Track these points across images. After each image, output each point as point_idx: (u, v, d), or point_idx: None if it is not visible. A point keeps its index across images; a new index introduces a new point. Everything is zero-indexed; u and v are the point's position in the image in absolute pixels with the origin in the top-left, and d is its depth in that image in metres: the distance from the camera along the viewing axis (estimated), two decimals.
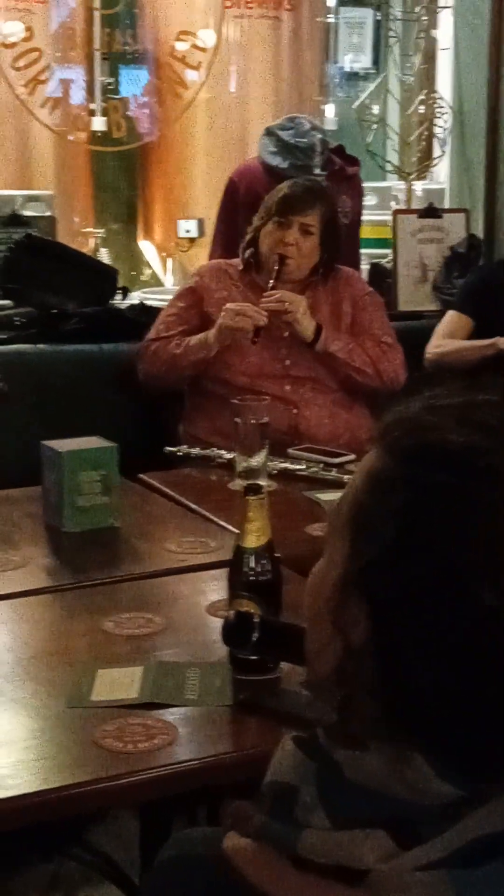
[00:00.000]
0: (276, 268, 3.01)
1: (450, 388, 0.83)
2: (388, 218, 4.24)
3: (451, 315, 3.54)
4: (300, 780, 0.80)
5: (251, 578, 1.60)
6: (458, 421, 0.79)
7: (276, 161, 3.91)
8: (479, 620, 0.74)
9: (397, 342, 3.17)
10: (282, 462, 2.63)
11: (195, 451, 2.79)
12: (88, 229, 4.89)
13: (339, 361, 3.05)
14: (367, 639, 0.78)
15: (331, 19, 5.14)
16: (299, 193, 3.04)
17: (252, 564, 1.61)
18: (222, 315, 2.96)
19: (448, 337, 3.49)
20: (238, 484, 2.47)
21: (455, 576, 0.75)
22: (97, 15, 4.67)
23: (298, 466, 2.63)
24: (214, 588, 1.95)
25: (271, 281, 3.01)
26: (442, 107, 4.63)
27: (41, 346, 3.33)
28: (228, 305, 2.97)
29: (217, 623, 1.75)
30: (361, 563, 0.79)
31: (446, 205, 4.49)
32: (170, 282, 4.91)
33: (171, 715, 1.52)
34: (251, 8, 4.88)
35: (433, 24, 4.79)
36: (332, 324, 3.08)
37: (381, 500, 0.79)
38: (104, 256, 4.74)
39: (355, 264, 3.99)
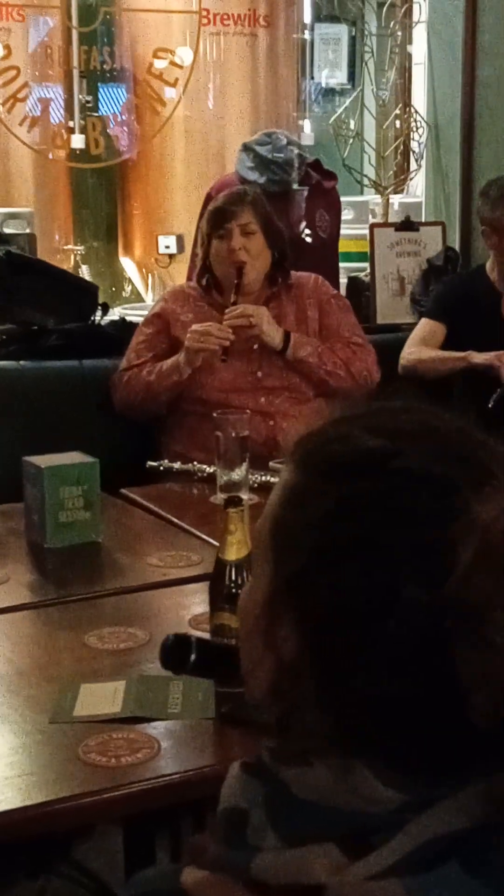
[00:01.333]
0: (236, 281, 3.02)
1: (354, 401, 0.85)
2: (366, 232, 4.27)
3: (424, 322, 3.56)
4: (250, 803, 0.80)
5: (233, 591, 1.61)
6: (364, 429, 0.81)
7: (254, 176, 3.94)
8: (407, 619, 0.75)
9: (367, 342, 3.19)
10: (262, 475, 2.64)
11: (176, 465, 2.80)
12: (69, 246, 4.90)
13: (310, 366, 3.06)
14: (299, 653, 0.79)
15: (306, 36, 5.17)
16: (225, 203, 3.08)
17: (233, 577, 1.61)
18: (188, 338, 2.97)
19: (421, 344, 3.50)
20: (219, 497, 2.48)
21: (378, 578, 0.75)
22: (75, 33, 4.69)
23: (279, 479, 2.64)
24: (196, 601, 1.96)
25: (233, 296, 3.02)
26: (417, 121, 4.66)
27: (22, 362, 3.33)
28: (193, 327, 2.98)
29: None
30: (285, 577, 0.80)
31: (423, 218, 4.52)
32: (150, 298, 4.93)
33: (155, 729, 1.53)
34: (227, 25, 4.91)
35: (407, 39, 4.83)
36: (300, 330, 3.10)
37: (298, 513, 0.80)
38: (85, 273, 4.75)
39: (334, 278, 4.01)
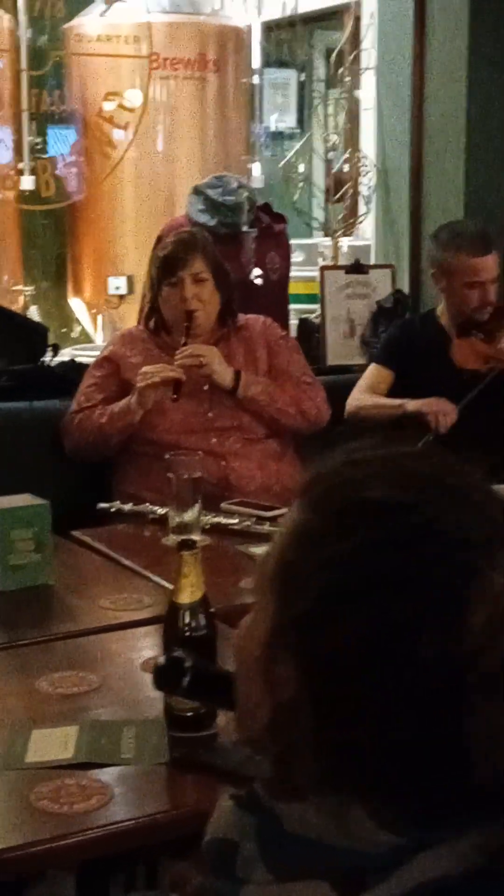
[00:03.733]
0: (186, 324, 3.03)
1: (368, 441, 0.84)
2: (316, 274, 4.31)
3: (372, 368, 3.59)
4: (240, 835, 0.80)
5: (186, 634, 1.60)
6: (379, 475, 0.80)
7: (205, 219, 3.96)
8: (413, 673, 0.74)
9: (316, 380, 3.21)
10: (214, 517, 2.63)
11: (128, 507, 2.78)
12: (18, 287, 4.89)
13: (261, 405, 3.07)
14: (299, 694, 0.78)
15: (255, 80, 5.23)
16: (177, 250, 3.07)
17: (186, 620, 1.60)
18: (139, 379, 2.97)
19: (369, 389, 3.53)
20: (171, 539, 2.46)
21: (389, 629, 0.75)
22: (25, 76, 4.71)
23: (231, 521, 2.64)
24: (149, 644, 1.94)
25: (183, 338, 3.02)
26: (366, 165, 4.72)
27: None
28: (144, 368, 2.98)
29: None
30: (289, 618, 0.79)
31: (372, 261, 4.57)
32: (100, 338, 4.93)
33: (108, 774, 1.51)
34: (177, 69, 4.95)
35: (356, 84, 4.90)
36: (249, 371, 3.11)
37: (308, 555, 0.79)
38: (34, 314, 4.74)
39: (284, 319, 4.04)
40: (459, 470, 0.82)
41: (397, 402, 3.40)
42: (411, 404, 3.34)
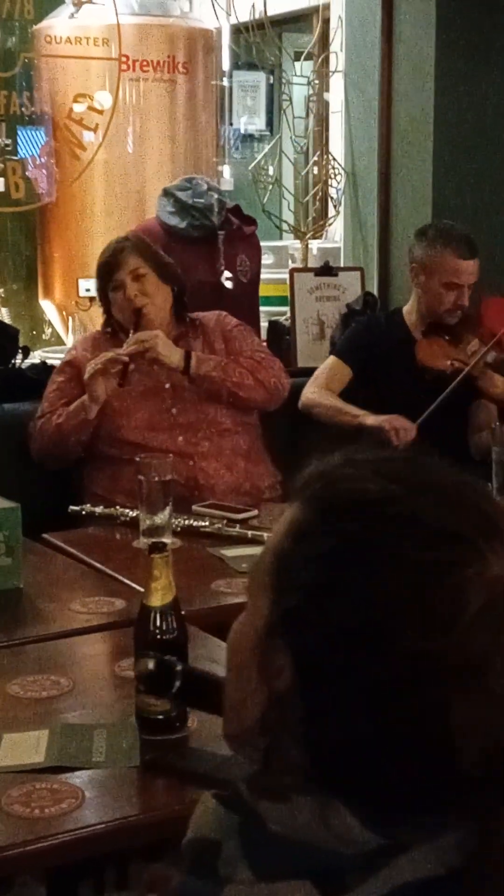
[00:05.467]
0: (135, 321, 3.04)
1: (365, 445, 0.86)
2: (285, 276, 4.32)
3: (331, 360, 3.57)
4: (223, 834, 0.80)
5: (157, 637, 1.60)
6: (374, 472, 0.82)
7: (175, 221, 3.97)
8: (399, 666, 0.75)
9: (271, 355, 3.21)
10: (185, 519, 2.64)
11: (99, 509, 2.78)
12: None
13: (215, 381, 3.05)
14: (291, 687, 0.79)
15: (225, 83, 5.24)
16: (109, 255, 3.11)
17: (158, 622, 1.61)
18: (86, 372, 2.98)
19: (326, 383, 3.51)
20: (142, 542, 2.47)
21: (374, 622, 0.76)
22: None
23: (202, 523, 2.65)
24: (120, 647, 1.95)
25: (131, 330, 3.03)
26: (335, 168, 4.74)
27: None
28: (90, 362, 2.99)
29: (124, 682, 1.75)
30: (283, 610, 0.80)
31: (342, 263, 4.59)
32: (71, 340, 4.91)
33: (79, 778, 1.51)
34: (147, 71, 4.95)
35: (325, 87, 4.92)
36: None
37: (302, 549, 0.80)
38: (4, 316, 4.73)
39: (255, 321, 4.05)
40: (450, 468, 0.84)
41: (356, 412, 3.37)
42: (370, 419, 3.31)
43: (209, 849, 0.80)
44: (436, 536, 0.78)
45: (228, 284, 4.04)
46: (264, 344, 3.27)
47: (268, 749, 0.81)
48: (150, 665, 1.34)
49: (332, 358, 3.58)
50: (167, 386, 3.07)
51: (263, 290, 4.31)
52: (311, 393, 3.50)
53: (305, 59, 4.92)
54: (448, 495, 0.81)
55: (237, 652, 0.85)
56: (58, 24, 4.95)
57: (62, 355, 3.78)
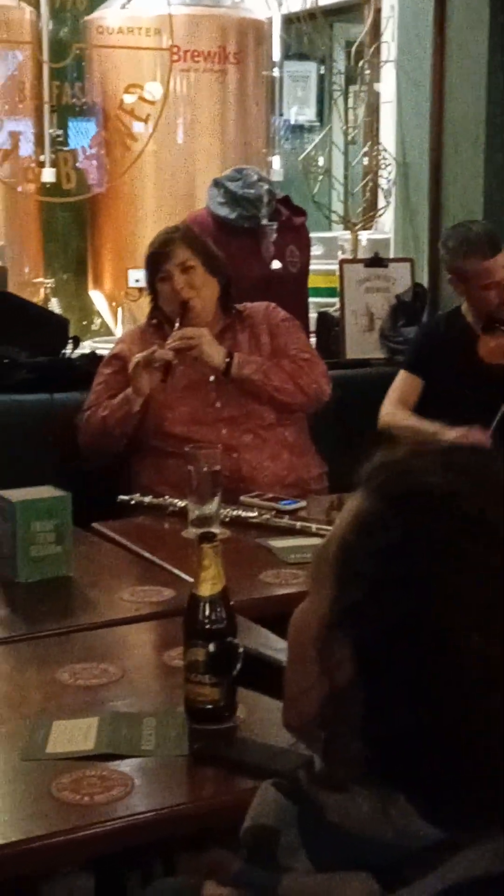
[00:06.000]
0: (180, 312, 3.04)
1: (434, 440, 0.85)
2: (335, 267, 4.30)
3: (402, 375, 3.57)
4: (282, 823, 0.80)
5: (206, 626, 1.60)
6: (442, 465, 0.80)
7: (225, 212, 3.96)
8: (464, 663, 0.74)
9: (316, 356, 3.20)
10: (234, 510, 2.64)
11: (148, 499, 2.79)
12: (39, 279, 4.91)
13: (256, 384, 3.05)
14: (352, 680, 0.78)
15: (275, 73, 5.23)
16: (158, 245, 3.10)
17: (207, 612, 1.61)
18: (131, 366, 2.98)
19: (400, 400, 3.51)
20: (191, 532, 2.48)
21: (436, 620, 0.75)
22: (46, 68, 4.72)
23: (250, 514, 2.65)
24: (169, 637, 1.95)
25: (176, 324, 3.04)
26: (386, 158, 4.71)
27: None
28: (135, 356, 2.99)
29: (172, 671, 1.75)
30: (346, 603, 0.79)
31: (391, 254, 4.57)
32: (120, 331, 4.93)
33: (128, 766, 1.52)
34: (198, 62, 4.95)
35: (376, 77, 4.89)
36: (255, 357, 3.11)
37: (367, 541, 0.79)
38: (55, 306, 4.75)
39: (304, 312, 4.03)
40: None
41: (432, 429, 3.36)
42: (449, 433, 3.31)
43: (268, 837, 0.80)
44: (497, 537, 0.76)
45: (276, 265, 4.00)
46: (312, 340, 3.24)
47: (327, 741, 0.80)
48: (212, 647, 1.34)
49: (401, 373, 3.58)
50: (211, 379, 3.07)
51: (312, 282, 4.30)
52: (386, 414, 3.50)
53: (357, 49, 4.90)
54: None
55: (298, 642, 0.84)
56: (109, 15, 4.96)
57: (112, 345, 3.80)
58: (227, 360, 3.02)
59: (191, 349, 2.99)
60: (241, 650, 1.32)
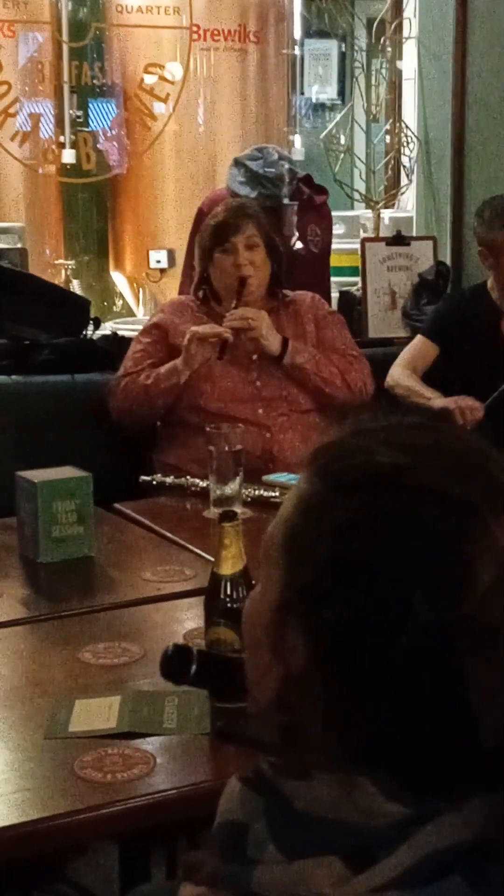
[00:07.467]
0: (238, 290, 3.03)
1: (374, 413, 0.85)
2: (357, 246, 4.28)
3: (418, 339, 3.58)
4: (249, 816, 0.80)
5: (227, 605, 1.60)
6: (383, 443, 0.80)
7: (245, 191, 3.94)
8: (418, 637, 0.74)
9: (363, 355, 3.21)
10: (255, 489, 2.64)
11: (169, 479, 2.80)
12: (60, 261, 4.90)
13: (307, 373, 3.07)
14: (307, 664, 0.78)
15: (296, 51, 5.19)
16: (230, 216, 3.08)
17: (228, 591, 1.61)
18: (186, 338, 2.98)
19: (411, 363, 3.52)
20: (213, 512, 2.47)
21: (389, 595, 0.75)
22: (66, 48, 4.70)
23: (272, 493, 2.64)
24: (191, 616, 1.95)
25: (234, 302, 3.03)
26: (408, 136, 4.67)
27: (14, 377, 3.33)
28: (193, 328, 2.99)
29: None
30: (296, 587, 0.79)
31: (414, 232, 4.53)
32: (142, 312, 4.93)
33: (150, 744, 1.52)
34: (217, 41, 4.92)
35: (398, 55, 4.85)
36: (299, 343, 3.11)
37: (313, 523, 0.79)
38: (76, 287, 4.75)
39: (326, 292, 4.02)
40: (461, 435, 0.83)
41: (428, 394, 3.38)
42: (438, 401, 3.32)
43: (237, 831, 0.80)
44: (444, 505, 0.76)
45: (300, 254, 4.00)
46: (354, 342, 3.26)
47: (287, 727, 0.80)
48: (167, 651, 1.34)
49: (418, 336, 3.58)
50: (254, 357, 3.08)
51: (334, 260, 4.27)
52: (395, 374, 3.51)
53: (378, 25, 4.85)
54: (457, 463, 0.80)
55: (251, 630, 0.85)
56: None
57: (133, 326, 3.80)
58: (283, 346, 3.02)
59: (250, 329, 2.99)
60: (194, 651, 1.32)
